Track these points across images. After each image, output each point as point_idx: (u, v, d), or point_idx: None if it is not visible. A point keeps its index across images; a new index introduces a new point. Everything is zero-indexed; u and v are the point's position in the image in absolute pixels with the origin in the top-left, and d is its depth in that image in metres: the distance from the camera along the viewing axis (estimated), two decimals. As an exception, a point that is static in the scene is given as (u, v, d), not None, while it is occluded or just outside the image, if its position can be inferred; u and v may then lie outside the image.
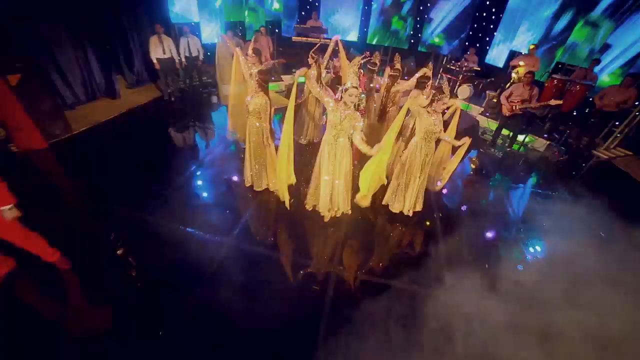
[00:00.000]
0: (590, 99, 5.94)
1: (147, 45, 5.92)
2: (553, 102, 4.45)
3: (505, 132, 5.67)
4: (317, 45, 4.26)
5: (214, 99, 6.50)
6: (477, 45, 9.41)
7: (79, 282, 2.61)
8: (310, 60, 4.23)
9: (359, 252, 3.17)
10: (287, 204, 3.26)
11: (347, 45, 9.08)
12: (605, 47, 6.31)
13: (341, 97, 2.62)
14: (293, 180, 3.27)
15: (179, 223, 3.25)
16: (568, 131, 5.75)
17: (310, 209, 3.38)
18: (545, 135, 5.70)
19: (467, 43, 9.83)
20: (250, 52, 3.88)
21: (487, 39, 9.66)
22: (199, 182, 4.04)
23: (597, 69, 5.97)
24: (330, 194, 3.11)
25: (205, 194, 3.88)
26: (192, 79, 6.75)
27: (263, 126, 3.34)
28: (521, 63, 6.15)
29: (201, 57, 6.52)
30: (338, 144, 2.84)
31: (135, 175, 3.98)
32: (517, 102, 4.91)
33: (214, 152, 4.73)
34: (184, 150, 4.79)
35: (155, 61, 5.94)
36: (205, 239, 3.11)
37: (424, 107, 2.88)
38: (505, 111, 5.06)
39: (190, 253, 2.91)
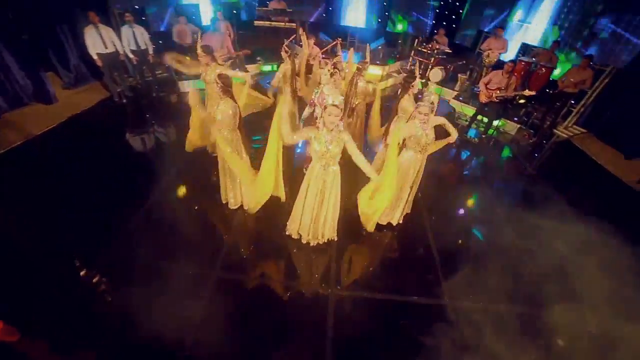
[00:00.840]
0: (554, 81, 6.19)
1: (83, 36, 4.95)
2: (527, 92, 4.56)
3: (479, 116, 5.75)
4: (290, 38, 3.87)
5: (174, 98, 5.75)
6: (444, 23, 9.36)
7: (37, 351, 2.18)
8: (283, 55, 3.85)
9: (355, 272, 3.02)
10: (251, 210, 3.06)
11: (313, 28, 8.56)
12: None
13: (318, 118, 2.34)
14: (282, 195, 2.99)
15: (152, 258, 2.85)
16: (535, 113, 5.99)
17: (296, 237, 3.10)
18: (516, 119, 5.90)
19: (434, 22, 9.74)
20: (199, 51, 3.35)
21: (454, 16, 9.64)
22: (169, 203, 3.54)
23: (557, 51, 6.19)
24: (315, 223, 2.88)
25: (178, 218, 3.37)
26: (143, 74, 5.87)
27: (234, 136, 2.93)
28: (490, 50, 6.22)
29: (150, 50, 5.58)
30: (328, 173, 2.55)
31: (87, 203, 3.36)
32: (495, 89, 4.95)
33: (182, 164, 4.18)
34: (145, 164, 4.16)
35: (96, 57, 5.02)
36: (186, 276, 2.76)
37: (412, 114, 2.64)
38: (483, 98, 5.09)
39: (172, 296, 2.56)
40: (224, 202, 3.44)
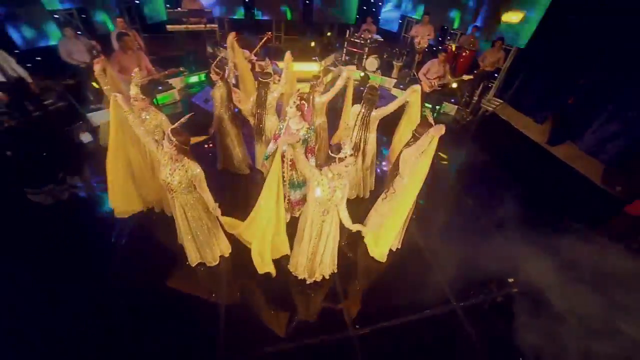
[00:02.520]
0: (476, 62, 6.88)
1: None
2: (465, 77, 4.91)
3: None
4: (217, 59, 3.33)
5: (85, 137, 4.47)
6: (364, 8, 9.44)
7: None
8: (214, 77, 3.34)
9: (366, 304, 2.88)
10: (272, 272, 2.80)
11: (235, 25, 7.67)
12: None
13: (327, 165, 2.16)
14: (287, 250, 2.86)
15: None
16: (466, 93, 6.61)
17: (297, 274, 2.89)
18: (453, 100, 6.42)
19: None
20: (133, 102, 2.57)
21: (373, 0, 9.78)
22: (128, 283, 2.78)
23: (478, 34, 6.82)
24: (312, 262, 2.74)
25: (144, 300, 2.68)
26: (27, 111, 4.40)
27: (200, 197, 2.42)
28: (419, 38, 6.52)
29: (28, 78, 4.19)
30: (326, 219, 2.38)
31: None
32: (435, 78, 5.21)
33: (125, 229, 3.28)
34: (69, 236, 3.14)
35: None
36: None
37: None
38: (426, 88, 5.33)
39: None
40: (194, 264, 2.90)
